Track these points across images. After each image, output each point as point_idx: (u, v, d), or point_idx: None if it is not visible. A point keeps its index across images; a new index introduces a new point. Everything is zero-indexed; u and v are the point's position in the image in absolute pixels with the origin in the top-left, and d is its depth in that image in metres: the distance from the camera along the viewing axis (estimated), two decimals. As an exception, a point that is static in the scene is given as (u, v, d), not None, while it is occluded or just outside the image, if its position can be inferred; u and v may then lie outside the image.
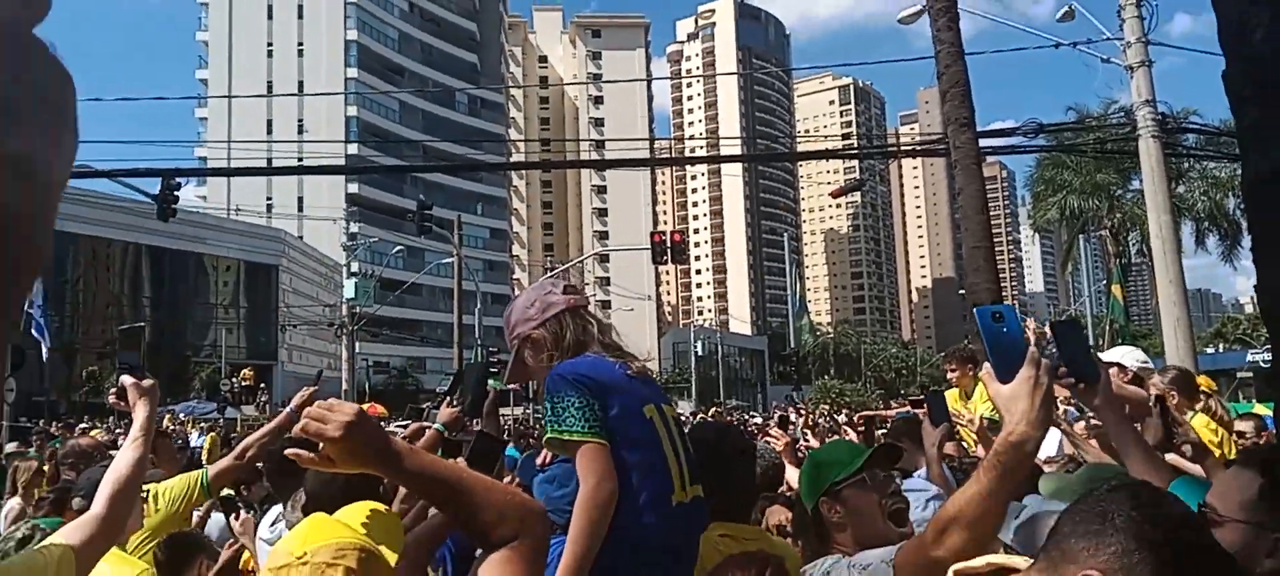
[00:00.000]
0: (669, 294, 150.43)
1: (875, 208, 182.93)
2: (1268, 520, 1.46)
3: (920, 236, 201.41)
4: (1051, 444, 6.20)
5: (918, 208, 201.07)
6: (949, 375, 6.62)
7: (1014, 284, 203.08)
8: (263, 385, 28.83)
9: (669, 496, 2.16)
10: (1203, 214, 35.22)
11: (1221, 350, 40.06)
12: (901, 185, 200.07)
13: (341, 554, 1.42)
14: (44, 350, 18.92)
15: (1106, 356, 5.18)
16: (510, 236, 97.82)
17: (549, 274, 47.44)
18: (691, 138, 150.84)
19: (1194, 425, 4.38)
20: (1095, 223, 36.37)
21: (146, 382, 2.46)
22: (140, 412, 2.37)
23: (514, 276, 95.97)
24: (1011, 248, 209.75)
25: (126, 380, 2.41)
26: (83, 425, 23.93)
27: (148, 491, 3.60)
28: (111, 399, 2.64)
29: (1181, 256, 14.07)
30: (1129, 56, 13.28)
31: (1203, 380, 5.77)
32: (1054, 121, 17.35)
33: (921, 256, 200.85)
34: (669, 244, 28.12)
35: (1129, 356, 5.22)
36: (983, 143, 14.53)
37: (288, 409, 4.02)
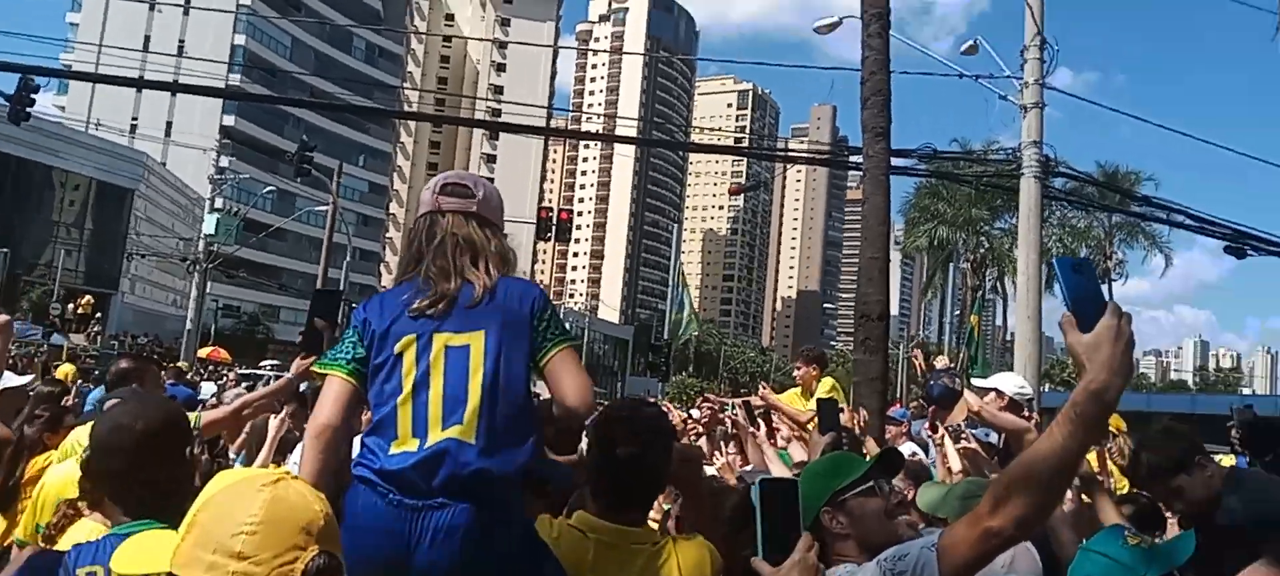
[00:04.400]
0: (543, 272, 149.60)
1: (754, 214, 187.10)
2: None
3: (793, 247, 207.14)
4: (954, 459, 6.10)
5: (795, 219, 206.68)
6: (796, 373, 6.82)
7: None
8: (98, 314, 26.77)
9: (388, 444, 2.00)
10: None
11: (1047, 390, 42.97)
12: (782, 196, 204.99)
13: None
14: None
15: (984, 383, 5.17)
16: (390, 193, 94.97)
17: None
18: (590, 118, 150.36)
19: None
20: (959, 255, 38.21)
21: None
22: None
23: (387, 234, 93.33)
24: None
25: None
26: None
27: None
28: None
29: (1042, 297, 14.60)
30: (1025, 96, 13.57)
31: (1113, 419, 5.40)
32: (937, 152, 17.83)
33: (791, 267, 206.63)
34: (556, 220, 27.75)
35: (1008, 382, 5.08)
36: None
37: (287, 376, 3.95)
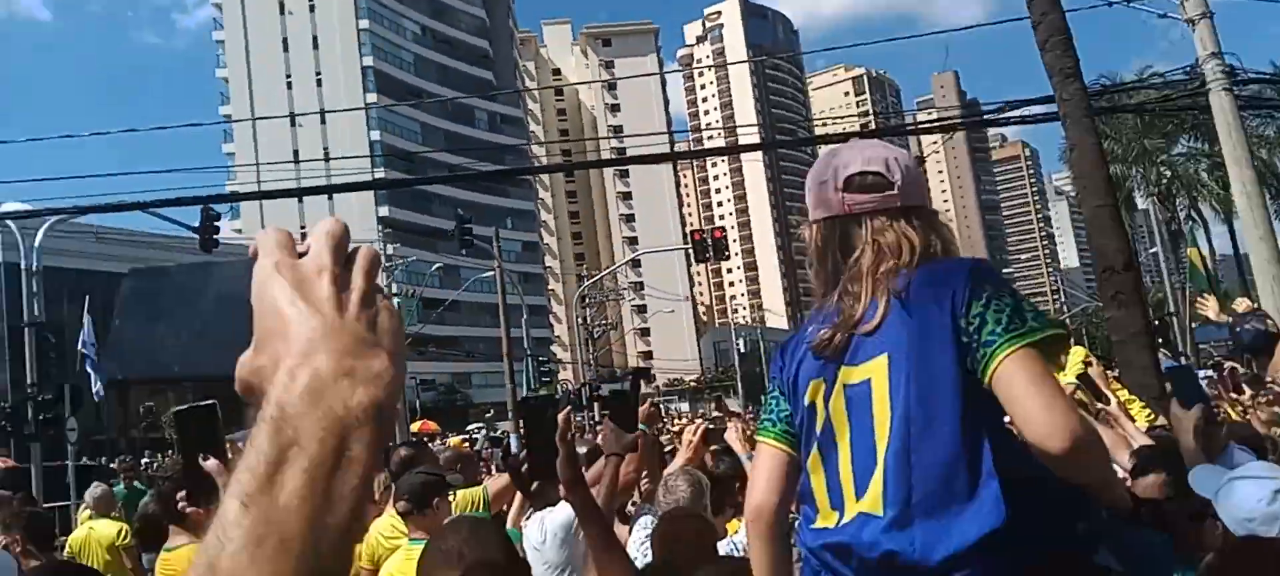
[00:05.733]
0: (702, 293, 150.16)
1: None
2: None
3: (948, 219, 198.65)
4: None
5: (943, 193, 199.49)
6: None
7: (1048, 261, 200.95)
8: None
9: (814, 515, 1.64)
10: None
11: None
12: (925, 170, 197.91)
13: None
14: (96, 388, 18.55)
15: None
16: (542, 248, 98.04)
17: (585, 283, 47.32)
18: (710, 135, 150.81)
19: None
20: (1141, 189, 35.72)
21: None
22: None
23: (549, 287, 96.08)
24: (1042, 225, 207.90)
25: None
26: (144, 460, 24.01)
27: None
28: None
29: (1269, 211, 13.47)
30: (1188, 8, 12.70)
31: None
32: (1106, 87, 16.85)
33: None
34: (711, 241, 27.81)
35: None
36: (1037, 109, 14.03)
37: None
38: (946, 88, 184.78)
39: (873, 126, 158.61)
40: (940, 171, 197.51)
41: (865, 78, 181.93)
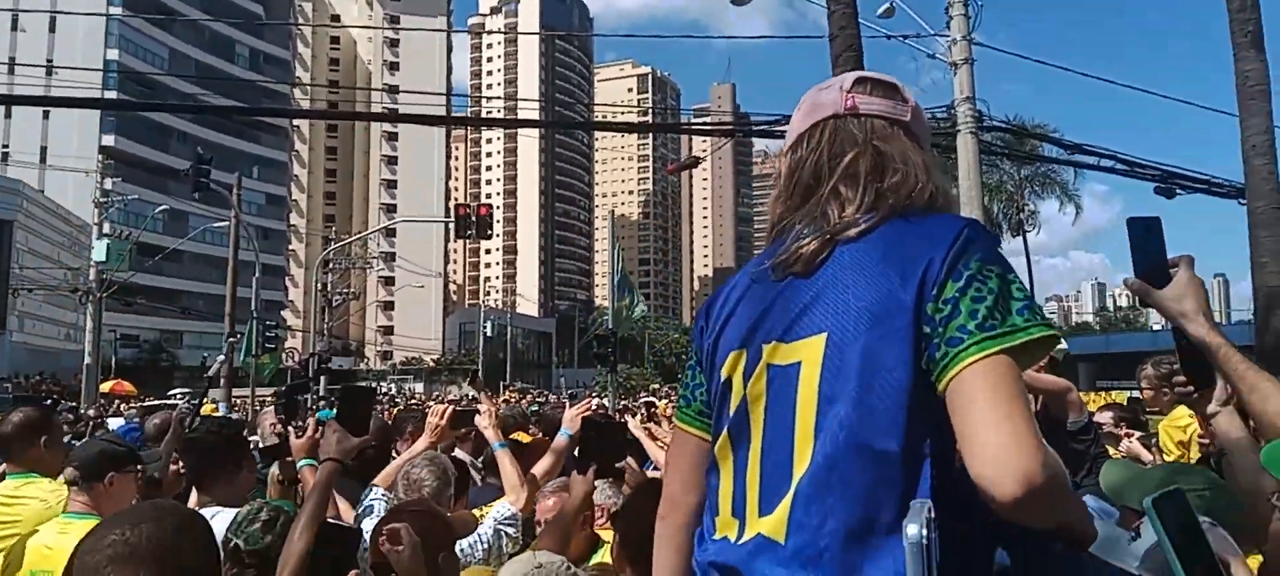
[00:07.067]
0: (456, 272, 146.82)
1: (665, 196, 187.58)
2: None
3: (705, 226, 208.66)
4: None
5: (704, 198, 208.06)
6: None
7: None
8: (-13, 357, 24.77)
9: (713, 524, 1.31)
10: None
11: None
12: (691, 175, 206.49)
13: None
14: None
15: None
16: (289, 203, 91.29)
17: (332, 246, 44.36)
18: (490, 113, 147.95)
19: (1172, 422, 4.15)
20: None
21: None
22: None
23: (290, 248, 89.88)
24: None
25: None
26: None
27: None
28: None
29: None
30: (954, 53, 13.57)
31: None
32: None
33: (705, 246, 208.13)
34: (475, 217, 26.79)
35: None
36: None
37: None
38: (723, 98, 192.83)
39: (650, 123, 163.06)
40: (705, 177, 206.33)
41: (650, 77, 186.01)
